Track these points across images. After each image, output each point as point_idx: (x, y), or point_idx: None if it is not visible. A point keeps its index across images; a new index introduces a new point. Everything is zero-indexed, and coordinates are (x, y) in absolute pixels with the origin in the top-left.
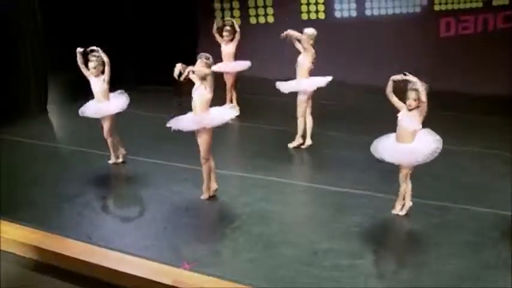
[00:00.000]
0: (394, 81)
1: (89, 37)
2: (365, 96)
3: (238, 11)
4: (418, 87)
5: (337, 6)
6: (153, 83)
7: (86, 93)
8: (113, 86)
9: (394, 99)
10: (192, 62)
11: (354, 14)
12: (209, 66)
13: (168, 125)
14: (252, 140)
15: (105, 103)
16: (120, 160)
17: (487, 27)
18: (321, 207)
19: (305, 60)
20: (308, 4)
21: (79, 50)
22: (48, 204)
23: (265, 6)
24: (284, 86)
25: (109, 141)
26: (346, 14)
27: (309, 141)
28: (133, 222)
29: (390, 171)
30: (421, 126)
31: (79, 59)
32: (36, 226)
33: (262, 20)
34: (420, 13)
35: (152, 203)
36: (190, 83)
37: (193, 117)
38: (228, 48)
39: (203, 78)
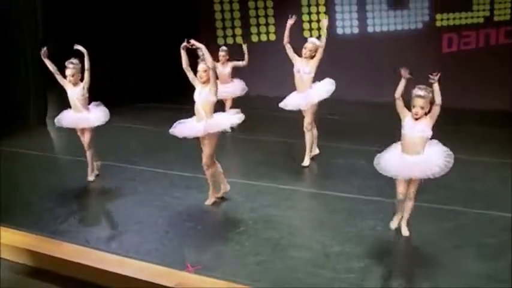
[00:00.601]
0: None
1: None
2: (368, 111)
3: (240, 29)
4: (434, 88)
5: (338, 23)
6: (151, 100)
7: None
8: (111, 101)
9: (401, 105)
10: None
11: (355, 30)
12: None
13: (171, 132)
14: (255, 150)
15: (85, 114)
16: (96, 173)
17: (489, 43)
18: (330, 213)
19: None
20: (310, 21)
21: (42, 51)
22: (46, 210)
23: (267, 24)
24: (287, 104)
25: (88, 154)
26: (348, 31)
27: (316, 151)
28: (134, 228)
29: None
30: (431, 133)
31: (49, 65)
32: (32, 231)
33: (264, 37)
34: (422, 29)
35: (153, 208)
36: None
37: (199, 123)
38: (224, 70)
39: (206, 81)
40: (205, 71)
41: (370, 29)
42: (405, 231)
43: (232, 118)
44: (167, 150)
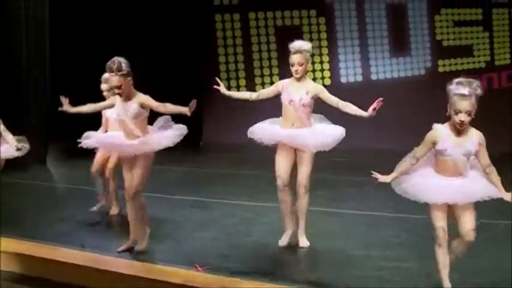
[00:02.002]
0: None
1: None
2: (374, 157)
3: (244, 72)
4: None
5: (342, 71)
6: None
7: None
8: None
9: (421, 151)
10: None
11: (359, 78)
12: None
13: (84, 144)
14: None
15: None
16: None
17: (492, 86)
18: (349, 226)
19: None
20: (313, 71)
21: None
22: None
23: (271, 75)
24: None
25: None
26: (351, 79)
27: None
28: None
29: None
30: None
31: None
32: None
33: (267, 80)
34: (425, 75)
35: None
36: None
37: (132, 139)
38: None
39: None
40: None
41: (373, 77)
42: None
43: (174, 133)
44: None
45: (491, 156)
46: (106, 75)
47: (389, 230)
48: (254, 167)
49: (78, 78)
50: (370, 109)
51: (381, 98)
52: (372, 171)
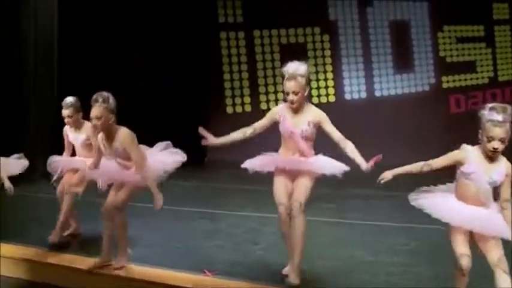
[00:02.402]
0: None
1: None
2: (379, 172)
3: (248, 89)
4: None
5: (346, 88)
6: None
7: None
8: None
9: (439, 162)
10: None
11: (363, 95)
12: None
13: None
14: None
15: None
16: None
17: (496, 102)
18: (358, 235)
19: None
20: (318, 88)
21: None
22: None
23: (275, 92)
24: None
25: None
26: (356, 96)
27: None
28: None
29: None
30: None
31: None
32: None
33: (272, 105)
34: (429, 91)
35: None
36: None
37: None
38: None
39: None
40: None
41: (377, 93)
42: None
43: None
44: None
45: None
46: (68, 98)
47: (396, 238)
48: (258, 182)
49: (84, 92)
50: (369, 164)
51: (381, 155)
52: (379, 181)
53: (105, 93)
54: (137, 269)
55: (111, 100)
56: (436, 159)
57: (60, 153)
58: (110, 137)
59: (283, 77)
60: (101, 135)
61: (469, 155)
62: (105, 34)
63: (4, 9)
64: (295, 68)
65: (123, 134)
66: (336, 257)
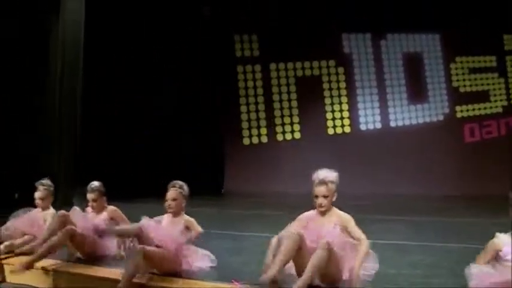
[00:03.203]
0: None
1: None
2: (394, 200)
3: (265, 129)
4: None
5: (362, 119)
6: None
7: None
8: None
9: (482, 260)
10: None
11: (378, 125)
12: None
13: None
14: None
15: None
16: None
17: (510, 130)
18: (378, 251)
19: None
20: (334, 119)
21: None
22: None
23: (291, 123)
24: None
25: None
26: (371, 126)
27: None
28: None
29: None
30: None
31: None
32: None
33: (288, 136)
34: (443, 121)
35: None
36: None
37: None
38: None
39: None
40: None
41: (392, 124)
42: None
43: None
44: None
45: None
46: (94, 183)
47: (415, 255)
48: (275, 209)
49: (106, 124)
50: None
51: None
52: None
53: (181, 182)
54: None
55: (186, 188)
56: (478, 260)
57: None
58: (176, 216)
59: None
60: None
61: (503, 241)
62: (129, 66)
63: (32, 44)
64: (326, 174)
65: (189, 220)
66: None
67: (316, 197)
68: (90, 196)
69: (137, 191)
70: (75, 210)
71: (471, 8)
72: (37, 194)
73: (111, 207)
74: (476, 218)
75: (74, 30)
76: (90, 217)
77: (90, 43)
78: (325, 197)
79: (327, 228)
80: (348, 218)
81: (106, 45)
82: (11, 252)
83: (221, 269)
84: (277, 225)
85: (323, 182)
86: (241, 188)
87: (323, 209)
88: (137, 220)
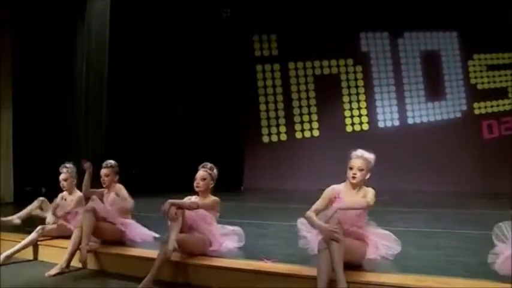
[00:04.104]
0: None
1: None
2: (414, 196)
3: (284, 126)
4: None
5: (380, 116)
6: None
7: None
8: None
9: None
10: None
11: (396, 123)
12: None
13: None
14: None
15: None
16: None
17: None
18: (401, 237)
19: None
20: (352, 117)
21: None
22: None
23: (310, 121)
24: None
25: None
26: (389, 124)
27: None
28: None
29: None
30: None
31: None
32: None
33: (307, 134)
34: (461, 118)
35: None
36: None
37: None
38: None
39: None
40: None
41: (410, 121)
42: None
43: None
44: None
45: None
46: (109, 161)
47: (438, 239)
48: (296, 202)
49: (130, 123)
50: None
51: None
52: None
53: (211, 164)
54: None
55: (215, 170)
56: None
57: None
58: (203, 195)
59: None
60: None
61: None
62: (151, 67)
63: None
64: (365, 152)
65: (212, 198)
66: None
67: (351, 168)
68: (103, 171)
69: (162, 187)
70: (96, 200)
71: (488, 4)
72: (61, 176)
73: (119, 185)
74: (495, 210)
75: (99, 31)
76: (105, 196)
77: (113, 45)
78: (360, 170)
79: (358, 200)
80: (370, 189)
81: (127, 47)
82: (47, 236)
83: (249, 249)
84: (301, 216)
85: (361, 156)
86: (261, 185)
87: (355, 181)
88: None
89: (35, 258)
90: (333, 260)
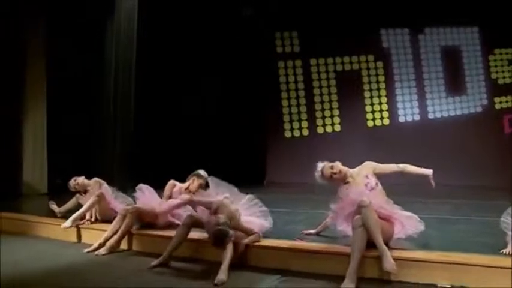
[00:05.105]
0: None
1: None
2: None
3: (306, 122)
4: None
5: (400, 112)
6: None
7: None
8: None
9: None
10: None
11: (417, 117)
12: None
13: None
14: None
15: None
16: None
17: None
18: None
19: None
20: (373, 112)
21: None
22: None
23: (331, 116)
24: None
25: None
26: (410, 119)
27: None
28: None
29: None
30: None
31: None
32: None
33: (329, 129)
34: (482, 112)
35: None
36: None
37: None
38: None
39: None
40: None
41: (430, 116)
42: None
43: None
44: None
45: None
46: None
47: (459, 225)
48: (321, 194)
49: (156, 119)
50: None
51: None
52: None
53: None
54: None
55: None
56: None
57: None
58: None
59: None
60: None
61: None
62: (176, 65)
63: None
64: None
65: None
66: None
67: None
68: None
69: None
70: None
71: None
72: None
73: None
74: None
75: (127, 30)
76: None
77: (139, 44)
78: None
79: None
80: (371, 164)
81: (153, 46)
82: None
83: (280, 233)
84: (327, 206)
85: None
86: (283, 179)
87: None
88: None
89: (79, 241)
90: (372, 235)
